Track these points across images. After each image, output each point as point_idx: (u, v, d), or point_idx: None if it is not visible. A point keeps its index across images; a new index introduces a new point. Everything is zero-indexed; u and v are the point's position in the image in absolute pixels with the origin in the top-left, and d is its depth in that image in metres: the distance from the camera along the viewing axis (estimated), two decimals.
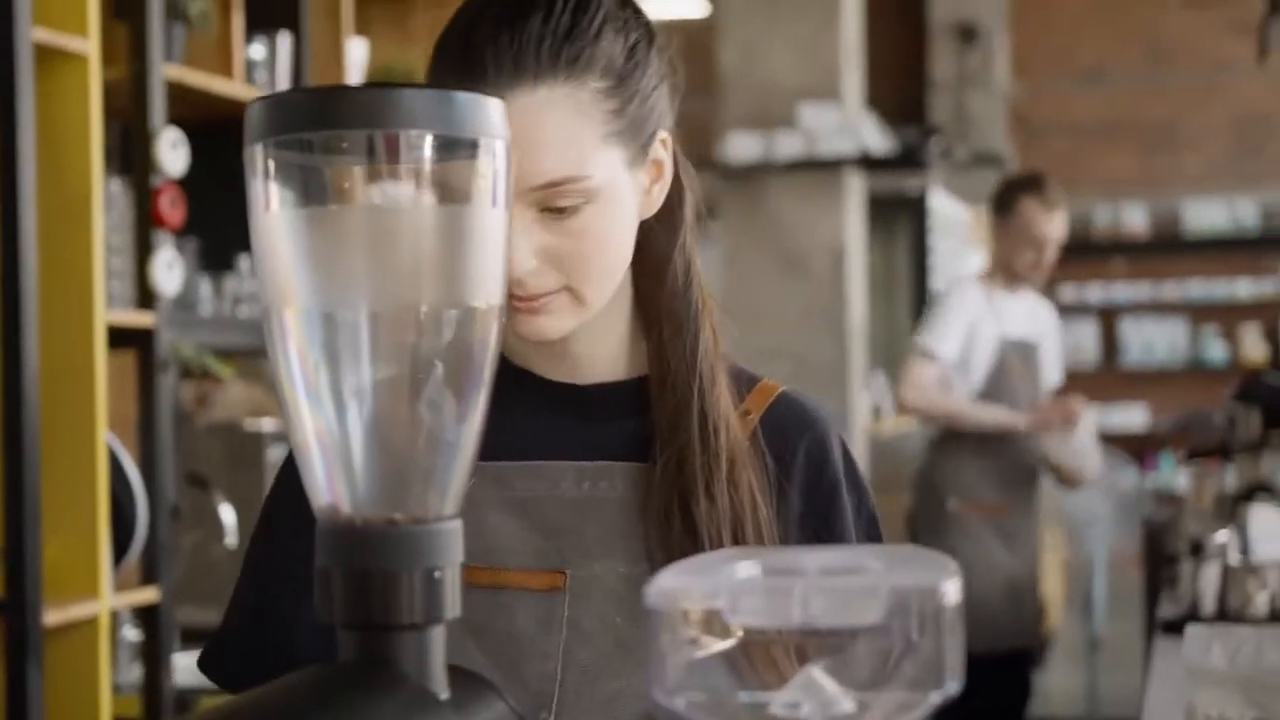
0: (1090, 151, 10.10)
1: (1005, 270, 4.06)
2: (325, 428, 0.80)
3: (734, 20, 5.83)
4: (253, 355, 3.38)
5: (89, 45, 2.59)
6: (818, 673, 0.71)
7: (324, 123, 0.80)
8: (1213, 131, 9.94)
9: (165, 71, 2.82)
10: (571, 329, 1.17)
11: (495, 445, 0.88)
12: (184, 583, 3.02)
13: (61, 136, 2.58)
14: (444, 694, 0.79)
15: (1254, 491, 3.63)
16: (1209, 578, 2.80)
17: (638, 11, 1.17)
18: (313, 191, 0.83)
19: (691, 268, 1.23)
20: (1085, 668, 5.93)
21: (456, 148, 0.81)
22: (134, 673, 2.97)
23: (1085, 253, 10.08)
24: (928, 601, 0.68)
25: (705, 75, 7.87)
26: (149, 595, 2.81)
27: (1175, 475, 8.95)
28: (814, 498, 1.23)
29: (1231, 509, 3.46)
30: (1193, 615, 2.72)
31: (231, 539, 3.03)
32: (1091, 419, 4.08)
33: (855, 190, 5.89)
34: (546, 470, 1.19)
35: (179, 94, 2.88)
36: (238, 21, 3.07)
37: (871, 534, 1.25)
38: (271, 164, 0.80)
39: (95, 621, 2.62)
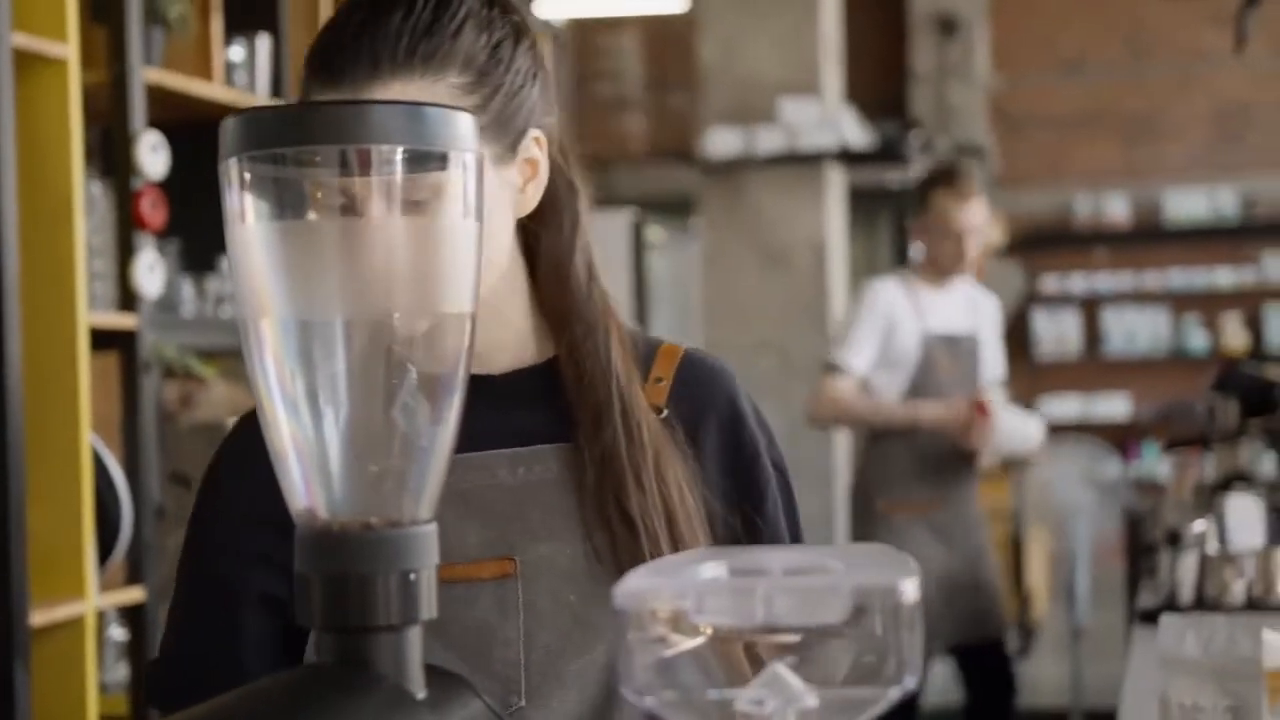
0: (1071, 142, 10.13)
1: (930, 265, 4.05)
2: (302, 434, 0.82)
3: (714, 15, 5.84)
4: (235, 355, 3.39)
5: (68, 50, 2.60)
6: (782, 669, 0.73)
7: (297, 138, 0.82)
8: (1193, 121, 9.98)
9: (145, 74, 2.83)
10: None
11: None
12: (169, 582, 3.03)
13: (42, 140, 2.59)
14: (421, 693, 0.81)
15: (1232, 481, 3.66)
16: (1187, 567, 2.82)
17: (506, 9, 1.18)
18: (287, 204, 0.85)
19: (592, 266, 1.26)
20: (1069, 657, 5.96)
21: (427, 160, 0.83)
22: (120, 672, 2.98)
23: (1067, 243, 10.12)
24: (888, 600, 0.70)
25: (685, 70, 7.89)
26: (134, 595, 2.83)
27: (1158, 465, 8.99)
28: (736, 459, 1.28)
29: (1209, 498, 3.49)
30: (1171, 604, 2.74)
31: None
32: (1010, 417, 3.96)
33: (836, 184, 5.91)
34: (480, 461, 1.21)
35: (159, 97, 2.89)
36: (216, 24, 3.08)
37: (781, 485, 1.30)
38: (247, 178, 0.82)
39: (81, 621, 2.63)
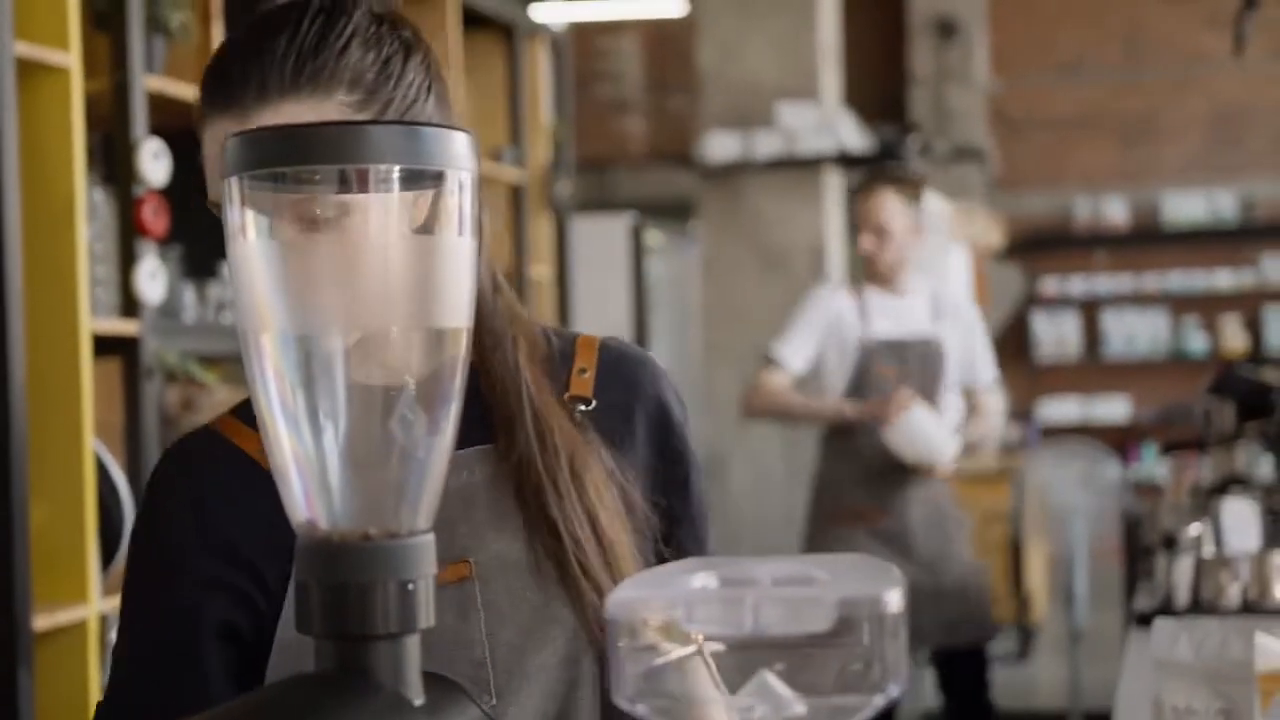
0: (1070, 145, 10.16)
1: (866, 268, 4.04)
2: (301, 447, 0.84)
3: (712, 20, 5.86)
4: (236, 361, 3.42)
5: (70, 58, 2.61)
6: (770, 677, 0.75)
7: (297, 158, 0.84)
8: (1191, 124, 10.00)
9: (146, 82, 2.85)
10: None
11: None
12: None
13: (44, 148, 2.61)
14: (419, 700, 0.83)
15: (1228, 484, 3.68)
16: (1182, 570, 2.83)
17: (395, 25, 1.19)
18: (287, 222, 0.87)
19: (496, 277, 1.27)
20: (1068, 659, 5.97)
21: (424, 179, 0.85)
22: None
23: (1066, 245, 10.14)
24: (873, 609, 0.72)
25: (685, 72, 7.91)
26: None
27: (1157, 466, 9.01)
28: (663, 444, 1.30)
29: (1206, 501, 3.51)
30: (1167, 607, 2.76)
31: None
32: (924, 410, 3.89)
33: (834, 188, 5.93)
34: None
35: (160, 104, 2.91)
36: (217, 32, 3.10)
37: (697, 471, 1.33)
38: (248, 196, 0.84)
39: (84, 626, 2.65)
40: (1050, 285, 10.16)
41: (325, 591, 0.82)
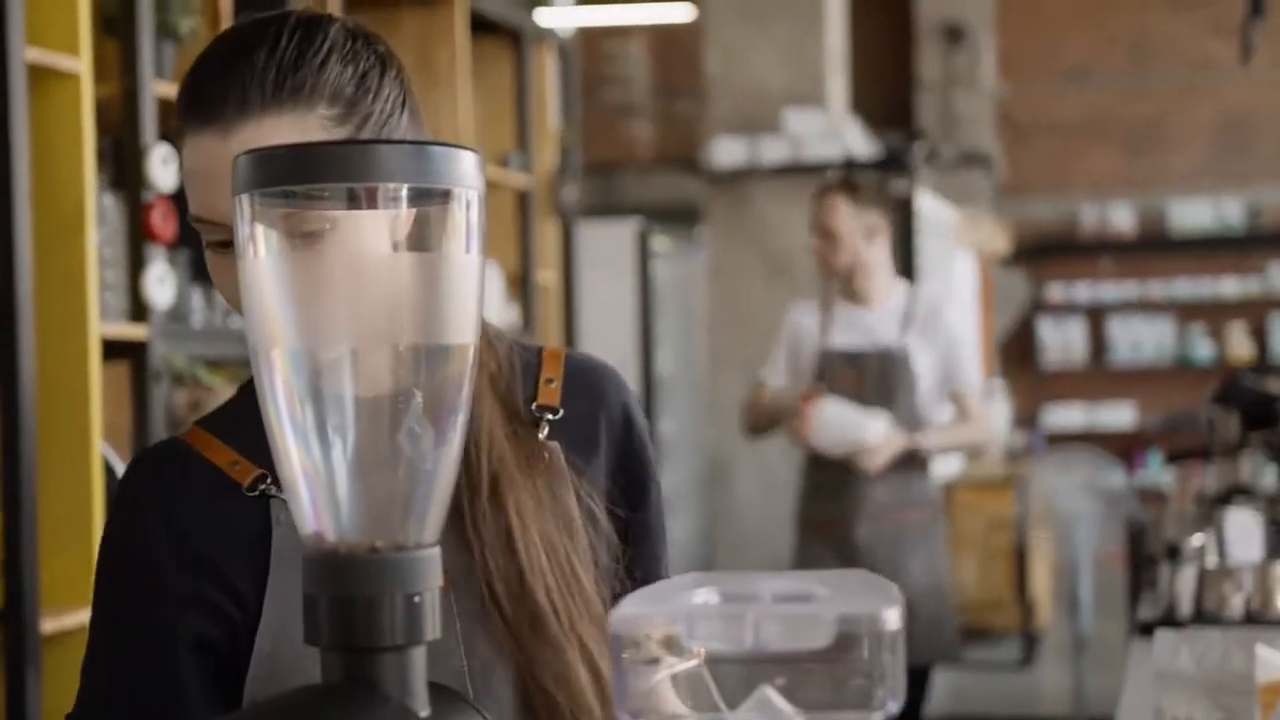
0: (1076, 151, 10.16)
1: (826, 273, 4.05)
2: (310, 460, 0.85)
3: (719, 25, 5.87)
4: (242, 364, 3.43)
5: (80, 64, 2.63)
6: (771, 692, 0.76)
7: (307, 176, 0.85)
8: (1198, 131, 10.00)
9: (155, 88, 2.86)
10: None
11: None
12: None
13: (55, 153, 2.62)
14: (424, 711, 0.84)
15: (1232, 494, 3.68)
16: (1185, 580, 2.84)
17: (370, 40, 1.20)
18: (297, 239, 0.88)
19: None
20: (1072, 667, 5.98)
21: (431, 197, 0.86)
22: None
23: (1072, 252, 10.15)
24: (872, 627, 0.73)
25: (692, 77, 7.92)
26: None
27: (1162, 474, 9.01)
28: (625, 456, 1.31)
29: (1209, 511, 3.51)
30: (1170, 617, 2.76)
31: None
32: (839, 409, 3.90)
33: None
34: None
35: (169, 110, 2.92)
36: None
37: (656, 484, 1.34)
38: (258, 214, 0.85)
39: None
40: (1056, 292, 10.16)
41: (332, 603, 0.83)
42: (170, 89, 2.93)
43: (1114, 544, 6.37)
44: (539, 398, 1.27)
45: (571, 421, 1.28)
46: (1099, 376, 10.15)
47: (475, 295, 0.88)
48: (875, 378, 3.96)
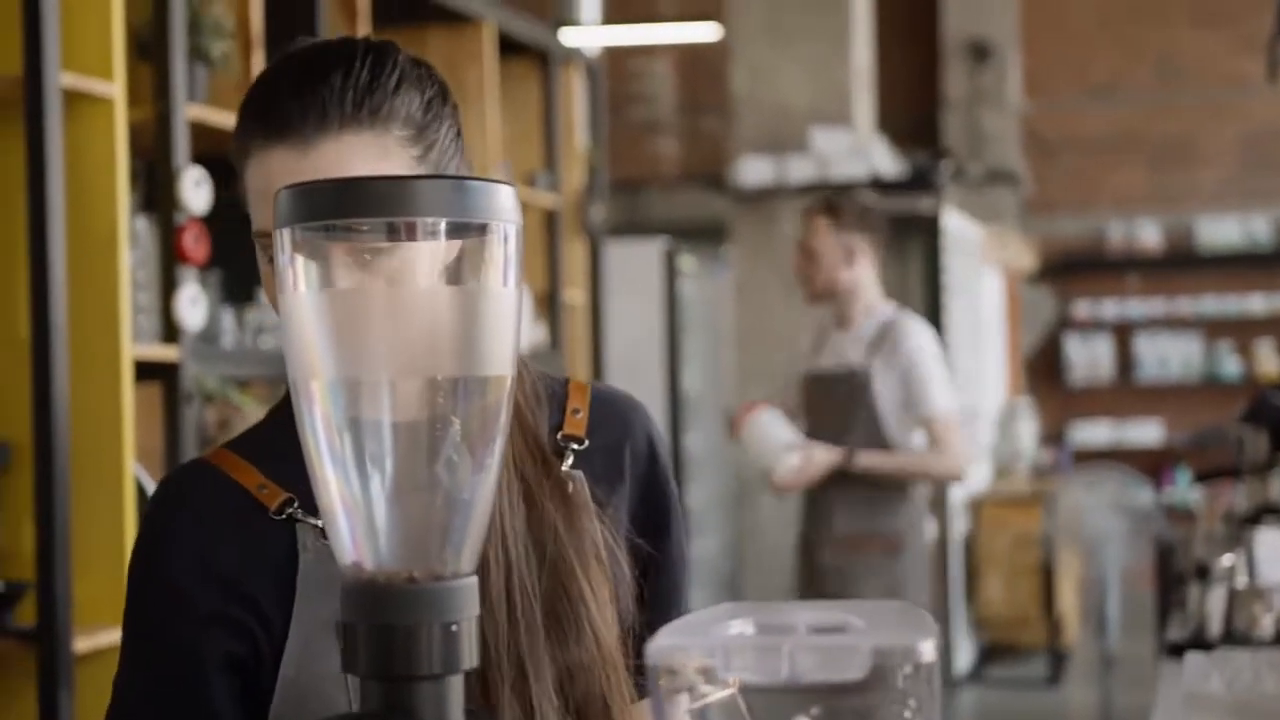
0: (1103, 168, 10.14)
1: (808, 293, 4.09)
2: (349, 491, 0.86)
3: (745, 44, 5.88)
4: (271, 383, 3.45)
5: (115, 88, 2.66)
6: None
7: (347, 211, 0.86)
8: (1225, 148, 9.97)
9: (188, 111, 2.89)
10: None
11: None
12: None
13: (89, 177, 2.65)
14: None
15: (1262, 514, 3.66)
16: (1215, 601, 2.83)
17: (430, 70, 1.22)
18: (336, 273, 0.89)
19: None
20: (1099, 685, 5.95)
21: (469, 231, 0.87)
22: None
23: (1099, 269, 10.12)
24: (908, 659, 0.74)
25: (718, 94, 7.93)
26: None
27: (1190, 492, 8.97)
28: (649, 489, 1.32)
29: (1239, 531, 3.49)
30: (1199, 638, 2.75)
31: None
32: (767, 423, 3.95)
33: None
34: None
35: (201, 133, 2.95)
36: (258, 61, 3.14)
37: (680, 518, 1.35)
38: (298, 248, 0.86)
39: None
40: (1083, 308, 10.14)
41: (370, 632, 0.84)
42: (203, 112, 2.95)
43: (1142, 562, 6.35)
44: (565, 427, 1.28)
45: (596, 453, 1.28)
46: (1126, 393, 10.12)
47: (512, 327, 0.89)
48: (840, 399, 3.97)
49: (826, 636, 0.77)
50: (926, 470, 3.98)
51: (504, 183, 0.89)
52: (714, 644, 0.76)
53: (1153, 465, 9.56)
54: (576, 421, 1.29)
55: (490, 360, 0.87)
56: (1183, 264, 9.96)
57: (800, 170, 5.63)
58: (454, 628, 0.84)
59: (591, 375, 4.85)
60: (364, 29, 3.57)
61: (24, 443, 2.58)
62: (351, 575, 0.86)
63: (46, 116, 2.52)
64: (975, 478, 7.74)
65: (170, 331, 2.86)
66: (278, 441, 1.17)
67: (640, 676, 1.20)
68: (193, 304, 2.87)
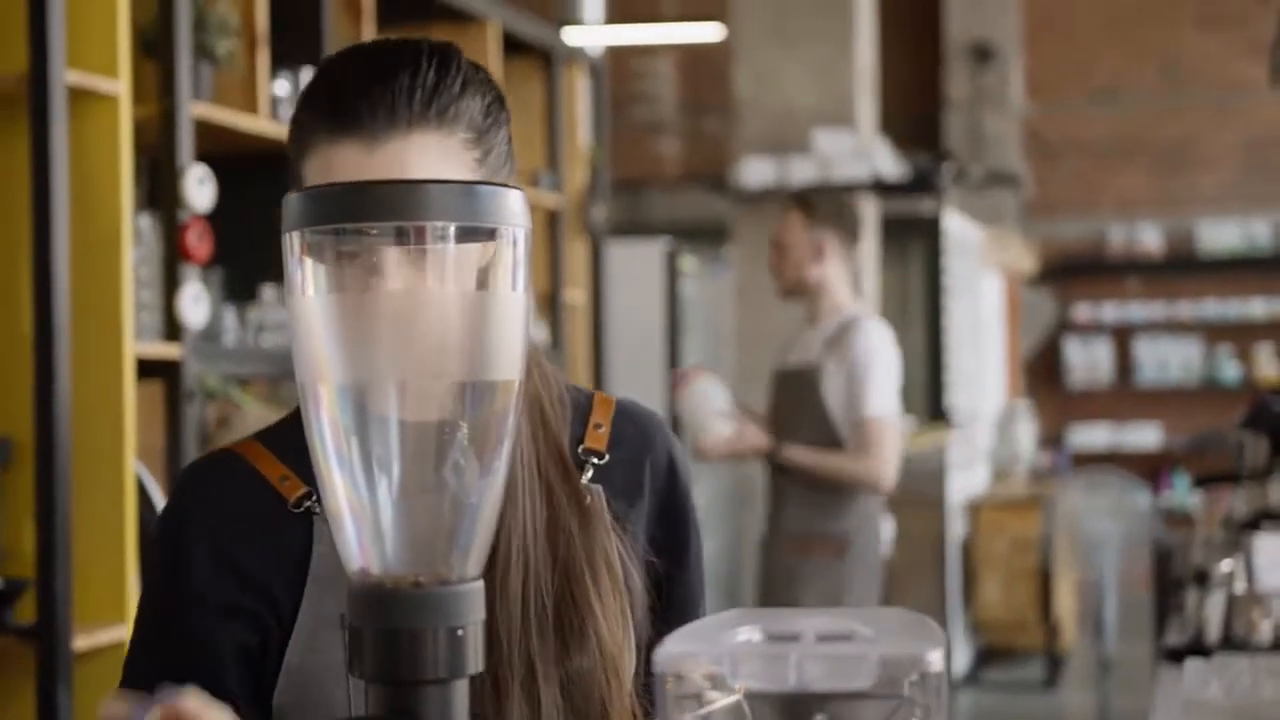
0: (1105, 171, 10.14)
1: (778, 288, 4.09)
2: (356, 495, 0.86)
3: (748, 45, 5.88)
4: (271, 381, 3.45)
5: (120, 85, 2.65)
6: None
7: (356, 215, 0.86)
8: (1227, 152, 9.97)
9: (193, 109, 2.89)
10: None
11: None
12: None
13: (93, 174, 2.65)
14: None
15: (1261, 519, 3.66)
16: (1214, 606, 2.83)
17: (489, 76, 1.23)
18: (345, 277, 0.89)
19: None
20: (1096, 689, 5.96)
21: (478, 235, 0.87)
22: None
23: (1099, 272, 10.12)
24: (915, 668, 0.74)
25: (720, 94, 7.93)
26: None
27: (1188, 496, 8.97)
28: (668, 506, 1.32)
29: (1238, 536, 3.50)
30: (1198, 643, 2.75)
31: None
32: (707, 390, 3.99)
33: (869, 214, 5.94)
34: None
35: (206, 131, 2.95)
36: (263, 59, 3.14)
37: (698, 536, 1.35)
38: (307, 251, 0.86)
39: (122, 646, 2.67)
40: (1083, 311, 10.14)
41: (377, 637, 0.84)
42: (207, 110, 2.95)
43: (1139, 566, 6.35)
44: (586, 441, 1.29)
45: (616, 467, 1.29)
46: (1125, 396, 10.12)
47: (521, 332, 0.89)
48: (795, 395, 3.97)
49: (834, 645, 0.77)
50: (846, 473, 3.86)
51: (514, 187, 0.89)
52: (722, 651, 0.76)
53: (1150, 469, 9.56)
54: (598, 436, 1.29)
55: (499, 364, 0.87)
56: (1183, 268, 9.96)
57: (802, 172, 5.62)
58: (460, 632, 0.84)
59: (592, 375, 4.86)
60: (369, 27, 3.57)
61: (25, 440, 2.58)
62: (358, 579, 0.86)
63: (51, 113, 2.52)
64: (974, 479, 7.75)
65: (172, 329, 2.86)
66: (303, 436, 1.18)
67: (651, 693, 1.20)
68: (195, 302, 2.87)
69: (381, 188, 0.87)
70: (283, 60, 3.22)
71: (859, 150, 5.67)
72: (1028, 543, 7.29)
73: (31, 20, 2.52)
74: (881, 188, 5.81)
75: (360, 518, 0.86)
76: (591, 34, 5.35)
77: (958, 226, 7.58)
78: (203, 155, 2.92)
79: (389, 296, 0.89)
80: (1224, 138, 9.96)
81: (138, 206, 2.82)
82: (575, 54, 4.91)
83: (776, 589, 3.92)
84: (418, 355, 0.87)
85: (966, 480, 7.48)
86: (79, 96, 2.61)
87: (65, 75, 2.55)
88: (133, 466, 2.68)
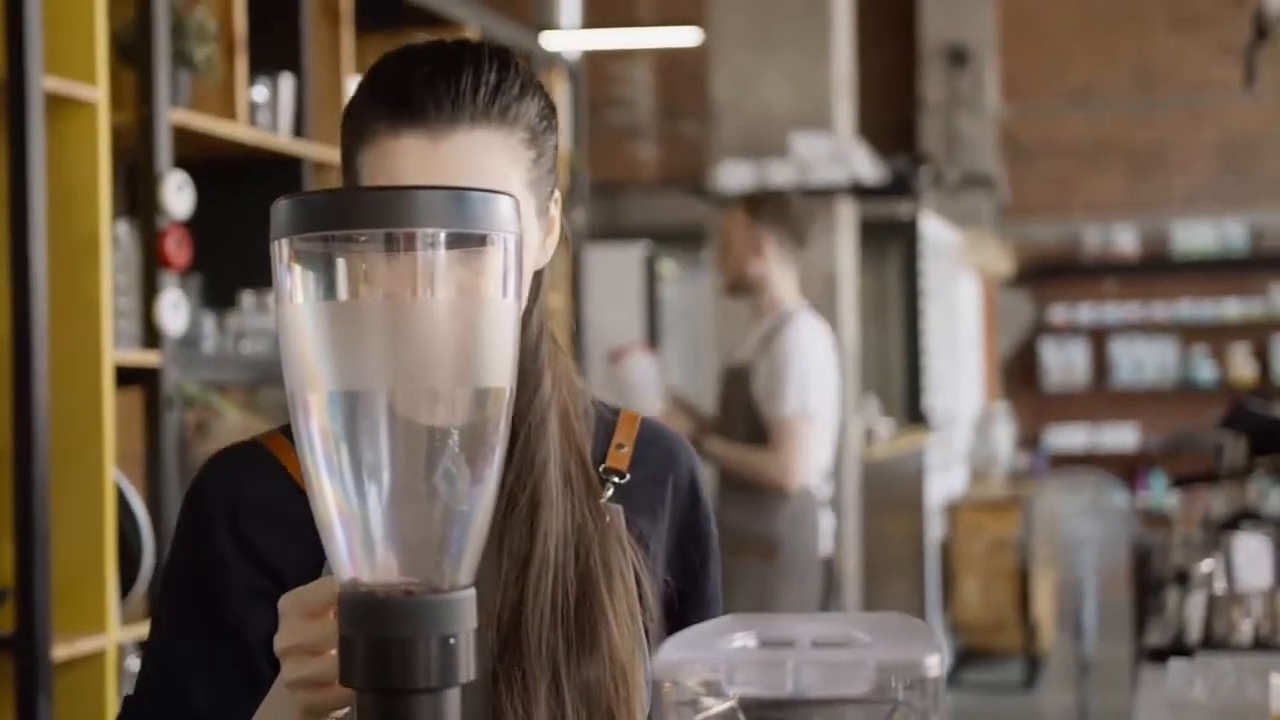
0: (1080, 173, 10.18)
1: (724, 286, 4.13)
2: (346, 503, 0.86)
3: (726, 50, 5.89)
4: (251, 387, 3.44)
5: (98, 92, 2.64)
6: None
7: (345, 222, 0.86)
8: (1201, 153, 10.02)
9: (171, 115, 2.87)
10: None
11: None
12: None
13: (71, 181, 2.63)
14: None
15: (1240, 519, 3.67)
16: (1194, 606, 2.84)
17: (542, 82, 1.25)
18: (334, 284, 0.89)
19: (545, 324, 1.29)
20: (1075, 689, 5.97)
21: (468, 242, 0.87)
22: None
23: (1075, 273, 10.16)
24: (912, 673, 0.74)
25: (698, 98, 7.93)
26: None
27: (1165, 496, 9.01)
28: (688, 530, 1.33)
29: (1217, 536, 3.51)
30: (1178, 643, 2.76)
31: None
32: (647, 367, 4.07)
33: (847, 218, 5.95)
34: None
35: (184, 137, 2.93)
36: (241, 65, 3.13)
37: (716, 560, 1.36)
38: (296, 259, 0.85)
39: (103, 655, 2.66)
40: (1059, 313, 10.17)
41: (368, 645, 0.84)
42: (185, 117, 2.93)
43: (1117, 566, 6.37)
44: (608, 460, 1.30)
45: (638, 487, 1.29)
46: (1101, 398, 10.16)
47: (512, 339, 0.89)
48: (731, 392, 3.99)
49: (830, 650, 0.77)
50: (757, 470, 3.83)
51: (504, 193, 0.88)
52: (718, 658, 0.76)
53: (1127, 469, 9.60)
54: (620, 455, 1.30)
55: (489, 372, 0.87)
56: (1158, 269, 10.00)
57: (780, 176, 5.62)
58: (452, 640, 0.84)
59: None
60: (347, 33, 3.56)
61: (3, 447, 2.57)
62: (349, 588, 0.86)
63: (29, 120, 2.50)
64: (952, 481, 7.77)
65: (151, 336, 2.84)
66: None
67: None
68: (174, 309, 2.86)
69: (370, 194, 0.87)
70: (261, 66, 3.21)
71: (837, 154, 5.67)
72: (1006, 544, 7.31)
73: (9, 27, 2.50)
74: (859, 191, 5.82)
75: (351, 526, 0.86)
76: (569, 39, 5.34)
77: (934, 229, 7.60)
78: (181, 162, 2.90)
79: (378, 303, 0.89)
80: (1198, 139, 10.00)
81: (116, 213, 2.81)
82: (553, 58, 4.91)
83: None
84: (407, 363, 0.87)
85: (945, 482, 7.50)
86: (57, 103, 2.60)
87: (43, 82, 2.53)
88: (112, 474, 2.66)
